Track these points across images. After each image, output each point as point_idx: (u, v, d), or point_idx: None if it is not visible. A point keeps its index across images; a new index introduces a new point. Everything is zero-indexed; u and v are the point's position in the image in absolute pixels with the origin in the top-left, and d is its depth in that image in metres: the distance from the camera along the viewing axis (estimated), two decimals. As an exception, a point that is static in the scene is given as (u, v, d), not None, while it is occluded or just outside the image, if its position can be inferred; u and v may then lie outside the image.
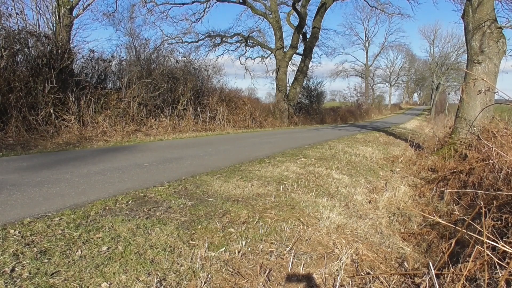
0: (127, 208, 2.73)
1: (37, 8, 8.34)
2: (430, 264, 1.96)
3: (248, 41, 19.01)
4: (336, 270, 2.23)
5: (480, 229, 2.03)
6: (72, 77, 7.95)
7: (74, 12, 10.51)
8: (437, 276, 2.02)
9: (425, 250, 3.03)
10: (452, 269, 2.10)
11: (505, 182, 3.56)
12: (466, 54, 6.44)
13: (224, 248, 2.22)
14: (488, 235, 2.07)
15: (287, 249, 2.37)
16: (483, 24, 5.85)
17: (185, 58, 12.05)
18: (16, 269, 1.72)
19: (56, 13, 9.23)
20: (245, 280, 1.95)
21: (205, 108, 11.13)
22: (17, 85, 6.62)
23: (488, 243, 1.97)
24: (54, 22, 9.09)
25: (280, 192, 3.59)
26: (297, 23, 16.41)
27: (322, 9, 16.19)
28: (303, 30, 16.80)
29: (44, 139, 6.48)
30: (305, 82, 18.24)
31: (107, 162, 4.64)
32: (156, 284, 1.75)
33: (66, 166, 4.27)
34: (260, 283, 1.95)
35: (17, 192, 3.04)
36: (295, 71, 17.35)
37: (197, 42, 18.16)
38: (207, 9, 17.41)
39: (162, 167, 4.41)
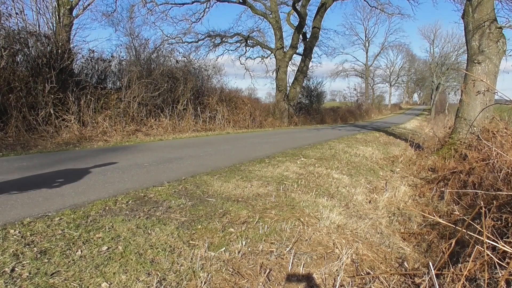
0: (127, 208, 2.73)
1: (37, 8, 8.34)
2: (430, 264, 1.96)
3: (248, 41, 19.01)
4: (336, 270, 2.23)
5: (480, 229, 2.03)
6: (72, 77, 7.95)
7: (74, 12, 10.52)
8: (437, 276, 2.02)
9: (425, 250, 3.03)
10: (452, 269, 2.10)
11: (505, 182, 3.56)
12: (466, 54, 6.43)
13: (224, 248, 2.22)
14: (488, 235, 2.07)
15: (287, 249, 2.37)
16: (483, 24, 5.84)
17: (185, 58, 12.06)
18: (16, 269, 1.72)
19: (56, 13, 9.22)
20: (245, 280, 1.95)
21: (205, 108, 11.13)
22: (17, 85, 6.62)
23: (488, 243, 1.97)
24: (54, 22, 9.09)
25: (280, 192, 3.59)
26: (297, 23, 16.41)
27: (322, 9, 16.19)
28: (303, 30, 16.80)
29: (44, 139, 6.48)
30: (305, 82, 18.23)
31: (107, 162, 4.64)
32: (156, 284, 1.75)
33: (66, 166, 4.27)
34: (260, 283, 1.95)
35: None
36: (295, 71, 17.35)
37: (197, 42, 18.17)
38: (207, 9, 17.42)
39: (162, 167, 4.41)
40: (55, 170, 4.04)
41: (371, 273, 2.28)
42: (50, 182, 3.44)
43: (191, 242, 2.24)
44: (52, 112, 7.06)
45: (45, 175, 3.74)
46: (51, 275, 1.70)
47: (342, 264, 2.27)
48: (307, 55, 16.67)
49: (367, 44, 44.06)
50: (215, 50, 19.56)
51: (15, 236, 2.06)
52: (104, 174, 3.88)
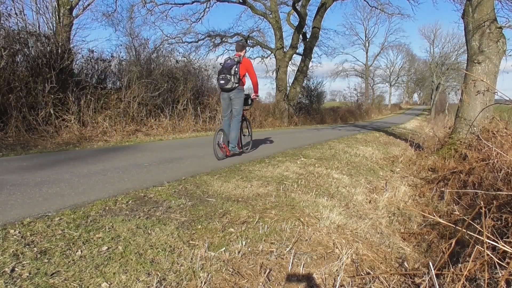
0: (127, 208, 2.73)
1: (37, 8, 8.33)
2: (430, 264, 1.96)
3: (248, 41, 19.01)
4: (336, 270, 2.23)
5: (480, 229, 2.03)
6: (72, 77, 7.95)
7: (74, 12, 10.53)
8: (437, 276, 2.02)
9: (425, 250, 3.03)
10: (452, 269, 2.10)
11: (505, 182, 3.56)
12: (466, 54, 6.44)
13: (224, 248, 2.22)
14: (488, 235, 2.07)
15: (287, 249, 2.37)
16: (483, 24, 5.84)
17: (185, 58, 12.06)
18: (16, 269, 1.72)
19: (56, 13, 9.22)
20: (245, 280, 1.95)
21: (205, 108, 11.13)
22: (17, 85, 6.62)
23: (488, 243, 1.97)
24: (54, 22, 9.08)
25: (280, 192, 3.59)
26: (297, 23, 16.41)
27: (322, 9, 16.20)
28: (303, 30, 16.80)
29: (44, 139, 6.48)
30: (305, 82, 18.24)
31: (107, 162, 4.64)
32: (156, 284, 1.75)
33: (66, 166, 4.27)
34: (260, 283, 1.95)
35: (17, 192, 3.04)
36: (295, 71, 17.36)
37: (197, 42, 18.19)
38: (207, 9, 17.44)
39: (162, 167, 4.41)
40: (55, 170, 4.04)
41: (371, 273, 2.28)
42: (50, 182, 3.44)
43: (191, 242, 2.24)
44: (52, 112, 7.06)
45: (45, 175, 3.74)
46: (51, 275, 1.70)
47: (342, 264, 2.27)
48: (307, 55, 16.67)
49: (367, 44, 44.16)
50: (215, 50, 19.64)
51: (15, 236, 2.06)
52: (104, 174, 3.88)
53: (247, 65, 5.13)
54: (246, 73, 5.18)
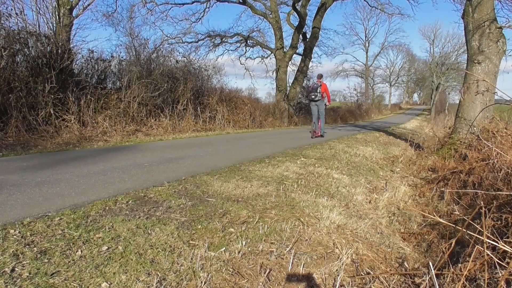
0: (127, 208, 2.73)
1: (37, 8, 8.34)
2: (430, 264, 1.96)
3: (248, 41, 19.02)
4: (336, 270, 2.23)
5: (480, 229, 2.03)
6: (72, 77, 7.95)
7: (74, 12, 10.54)
8: (437, 276, 2.02)
9: (425, 250, 3.03)
10: (452, 269, 2.10)
11: (505, 182, 3.56)
12: (466, 54, 6.43)
13: (224, 248, 2.22)
14: (488, 235, 2.07)
15: (287, 249, 2.37)
16: (483, 24, 5.84)
17: (185, 58, 12.05)
18: (16, 269, 1.72)
19: (56, 13, 9.23)
20: (245, 280, 1.95)
21: (205, 108, 11.13)
22: (17, 85, 6.62)
23: (488, 243, 1.97)
24: (54, 22, 9.09)
25: (280, 192, 3.59)
26: (297, 23, 16.41)
27: (322, 9, 16.19)
28: (303, 30, 16.80)
29: (44, 139, 6.48)
30: (305, 82, 18.23)
31: (107, 162, 4.64)
32: (156, 284, 1.75)
33: (66, 166, 4.27)
34: (260, 283, 1.95)
35: (17, 192, 3.04)
36: (295, 71, 17.37)
37: (197, 42, 18.20)
38: (207, 9, 17.45)
39: (162, 167, 4.41)
40: (55, 170, 4.04)
41: (371, 273, 2.28)
42: (50, 182, 3.44)
43: (191, 242, 2.24)
44: (52, 112, 7.06)
45: (45, 175, 3.74)
46: (51, 275, 1.70)
47: (342, 264, 2.27)
48: (307, 55, 16.67)
49: (367, 44, 44.21)
50: (215, 50, 19.60)
51: (15, 236, 2.06)
52: (104, 174, 3.89)
53: (325, 87, 9.07)
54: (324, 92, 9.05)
